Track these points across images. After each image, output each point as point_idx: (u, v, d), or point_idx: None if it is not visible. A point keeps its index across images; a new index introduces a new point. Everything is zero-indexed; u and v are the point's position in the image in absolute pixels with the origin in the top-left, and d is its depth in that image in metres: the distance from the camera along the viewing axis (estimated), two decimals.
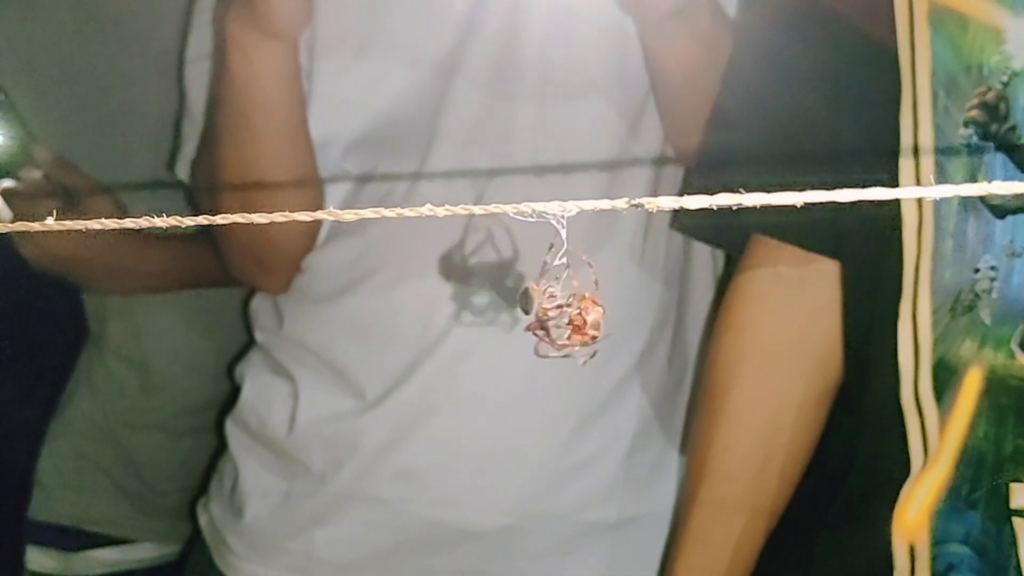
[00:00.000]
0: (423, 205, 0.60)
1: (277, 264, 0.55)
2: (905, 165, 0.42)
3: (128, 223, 0.22)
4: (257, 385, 0.57)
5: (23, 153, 0.65)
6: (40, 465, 0.77)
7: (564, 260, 0.19)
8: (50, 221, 0.21)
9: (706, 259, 0.58)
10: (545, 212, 0.19)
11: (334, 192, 0.54)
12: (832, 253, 0.46)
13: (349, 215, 0.19)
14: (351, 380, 0.53)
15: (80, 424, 0.76)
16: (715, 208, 0.18)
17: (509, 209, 0.19)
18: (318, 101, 0.52)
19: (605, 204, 0.18)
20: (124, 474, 0.75)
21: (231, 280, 0.60)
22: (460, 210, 0.19)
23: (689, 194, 0.58)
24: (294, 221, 0.60)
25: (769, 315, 0.48)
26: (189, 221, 0.21)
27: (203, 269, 0.67)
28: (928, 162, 0.42)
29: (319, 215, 0.19)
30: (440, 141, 0.51)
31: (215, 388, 0.73)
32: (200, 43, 0.56)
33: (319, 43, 0.52)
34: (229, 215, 0.20)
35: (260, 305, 0.59)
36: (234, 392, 0.60)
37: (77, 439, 0.76)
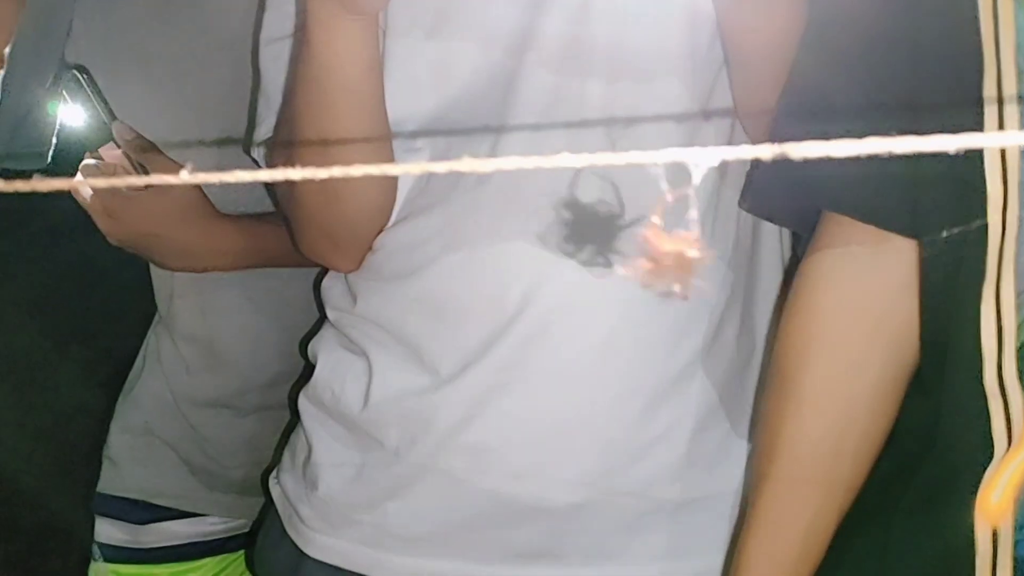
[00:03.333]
0: (500, 182, 0.60)
1: (350, 242, 0.56)
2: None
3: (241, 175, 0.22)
4: (331, 362, 0.58)
5: (104, 132, 0.67)
6: (109, 440, 0.80)
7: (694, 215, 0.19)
8: (184, 174, 0.22)
9: (774, 241, 0.57)
10: (682, 160, 0.19)
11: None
12: (909, 231, 0.46)
13: (479, 164, 0.20)
14: (425, 357, 0.54)
15: (148, 400, 0.78)
16: (864, 156, 0.18)
17: (644, 158, 0.19)
18: (390, 82, 0.53)
19: (746, 151, 0.19)
20: (190, 449, 0.77)
21: (301, 259, 0.61)
22: (592, 159, 0.19)
23: (761, 174, 0.57)
24: (371, 201, 0.60)
25: (842, 296, 0.47)
26: (294, 175, 0.21)
27: (274, 248, 0.69)
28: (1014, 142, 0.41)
29: (457, 165, 0.20)
30: (512, 122, 0.51)
31: (280, 366, 0.74)
32: (276, 24, 0.57)
33: (390, 24, 0.53)
34: (344, 168, 0.21)
35: (332, 284, 0.60)
36: (307, 368, 0.61)
37: (145, 415, 0.78)
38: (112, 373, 0.89)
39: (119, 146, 0.67)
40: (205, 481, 0.77)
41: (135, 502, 0.78)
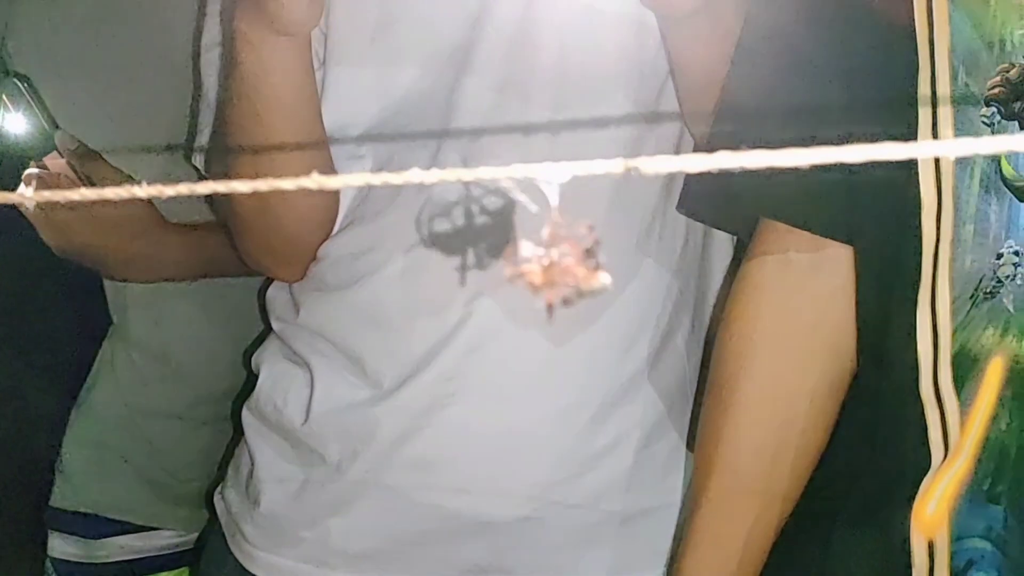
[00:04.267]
0: (440, 189, 0.59)
1: (291, 254, 0.55)
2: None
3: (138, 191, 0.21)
4: (273, 374, 0.57)
5: (47, 141, 0.66)
6: (62, 453, 0.78)
7: (549, 230, 0.18)
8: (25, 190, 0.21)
9: (726, 247, 0.57)
10: (535, 178, 0.18)
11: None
12: (845, 238, 0.45)
13: (335, 182, 0.19)
14: (367, 369, 0.53)
15: (102, 412, 0.76)
16: (717, 171, 0.17)
17: (499, 173, 0.18)
18: (331, 91, 0.52)
19: (599, 166, 0.18)
20: (145, 462, 0.75)
21: (250, 269, 0.60)
22: (447, 175, 0.19)
23: (698, 180, 0.56)
24: (309, 213, 0.59)
25: (779, 303, 0.47)
26: (200, 188, 0.20)
27: (223, 258, 0.68)
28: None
29: (303, 182, 0.19)
30: (454, 129, 0.51)
31: (234, 377, 0.73)
32: (216, 31, 0.56)
33: (332, 32, 0.52)
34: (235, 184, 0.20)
35: (276, 294, 0.59)
36: (252, 380, 0.60)
37: (98, 428, 0.76)
38: (78, 382, 0.87)
39: (62, 155, 0.66)
40: (159, 494, 0.76)
41: (88, 516, 0.76)
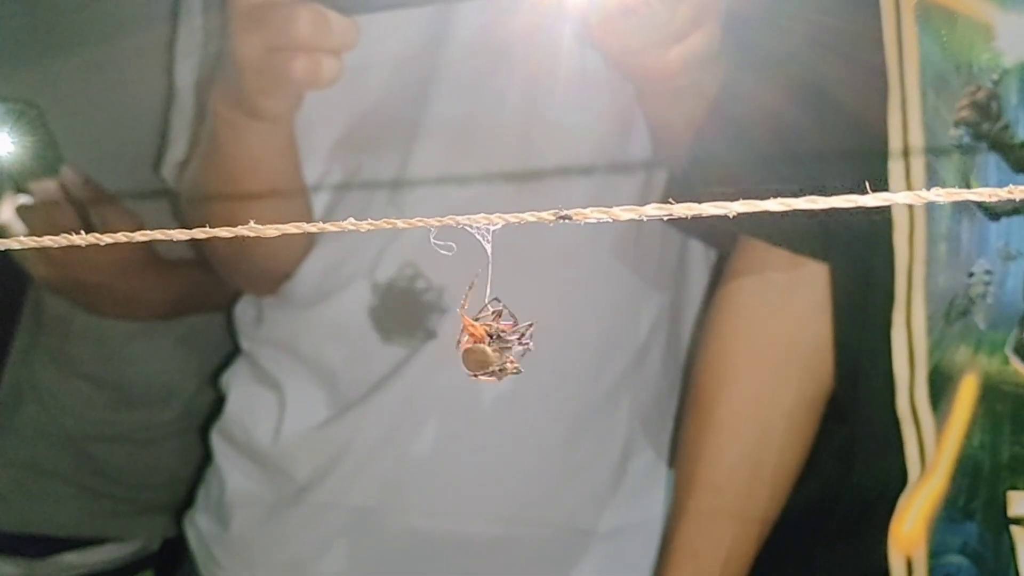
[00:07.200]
0: (406, 205, 0.58)
1: (272, 280, 0.55)
2: (895, 168, 0.41)
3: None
4: (243, 395, 0.57)
5: (49, 168, 0.64)
6: None
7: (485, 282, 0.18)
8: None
9: (701, 260, 0.56)
10: (469, 226, 0.18)
11: (319, 194, 0.53)
12: (821, 256, 0.45)
13: (271, 230, 0.19)
14: (337, 387, 0.53)
15: (31, 434, 0.72)
16: (645, 219, 0.17)
17: (433, 223, 0.18)
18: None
19: (530, 216, 0.18)
20: (89, 478, 0.72)
21: (230, 301, 0.59)
22: (383, 224, 0.19)
23: (679, 186, 0.55)
24: (286, 247, 0.58)
25: (757, 321, 0.47)
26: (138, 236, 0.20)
27: (202, 296, 0.66)
28: (919, 164, 0.41)
29: (240, 231, 0.19)
30: (423, 139, 0.50)
31: (191, 404, 0.70)
32: (189, 37, 0.56)
33: None
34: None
35: (244, 309, 0.58)
36: (210, 397, 0.60)
37: (29, 450, 0.72)
38: None
39: (61, 185, 0.63)
40: (107, 506, 0.73)
41: (29, 536, 0.72)
